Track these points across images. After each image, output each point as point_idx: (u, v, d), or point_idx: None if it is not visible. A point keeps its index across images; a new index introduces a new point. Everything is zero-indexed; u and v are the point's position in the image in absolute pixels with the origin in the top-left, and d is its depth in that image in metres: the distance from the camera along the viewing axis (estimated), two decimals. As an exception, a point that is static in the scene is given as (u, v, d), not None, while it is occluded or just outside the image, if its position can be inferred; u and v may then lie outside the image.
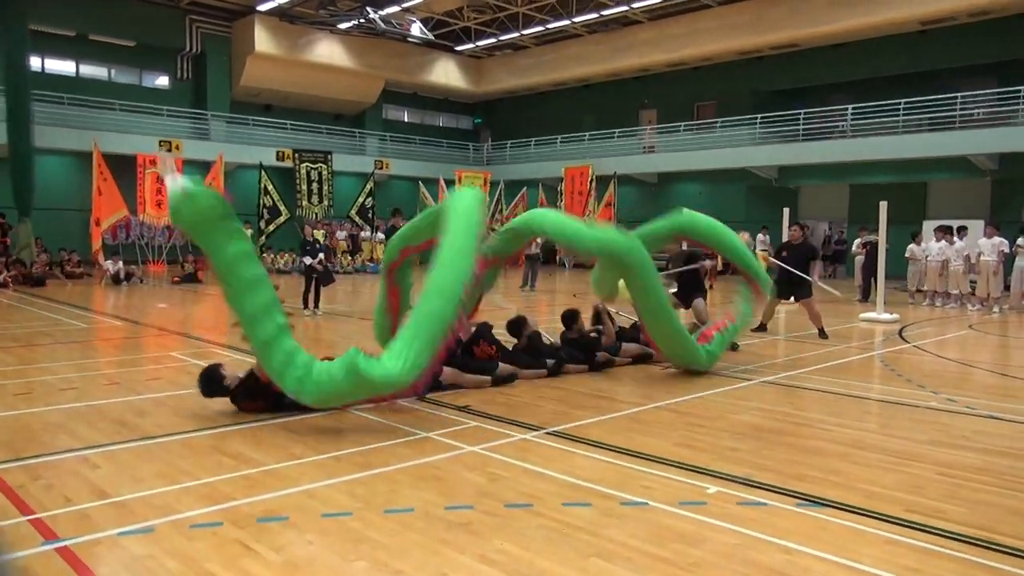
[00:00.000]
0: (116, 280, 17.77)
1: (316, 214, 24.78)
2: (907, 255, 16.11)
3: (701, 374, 7.41)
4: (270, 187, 24.52)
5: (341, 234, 26.31)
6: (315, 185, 25.62)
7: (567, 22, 27.65)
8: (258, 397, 5.53)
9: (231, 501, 3.83)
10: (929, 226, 17.31)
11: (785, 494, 4.03)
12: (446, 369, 6.48)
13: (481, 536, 3.43)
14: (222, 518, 3.60)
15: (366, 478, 4.22)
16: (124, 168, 21.98)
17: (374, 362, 4.92)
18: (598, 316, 8.32)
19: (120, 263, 18.33)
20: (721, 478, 4.28)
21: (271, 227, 24.46)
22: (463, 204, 5.87)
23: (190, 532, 3.44)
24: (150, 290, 17.07)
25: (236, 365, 6.40)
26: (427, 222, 6.57)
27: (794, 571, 3.14)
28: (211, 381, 5.62)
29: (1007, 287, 14.81)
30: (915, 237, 16.28)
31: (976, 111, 21.60)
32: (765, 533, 3.50)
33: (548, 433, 5.22)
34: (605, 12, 26.52)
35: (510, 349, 7.32)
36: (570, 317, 7.93)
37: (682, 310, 9.07)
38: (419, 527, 3.52)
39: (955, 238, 15.06)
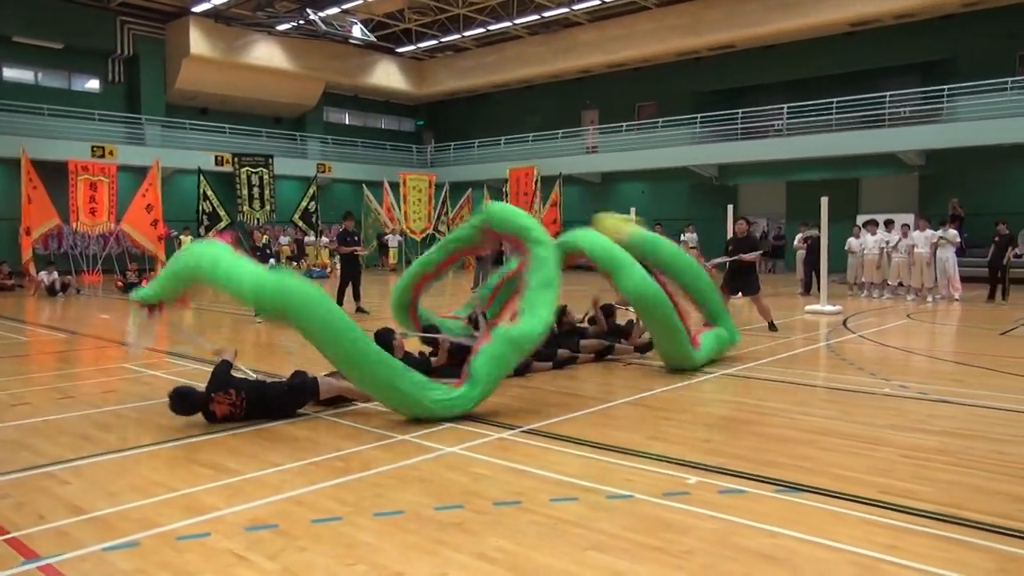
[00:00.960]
0: (51, 291, 17.11)
1: (258, 219, 24.32)
2: (846, 248, 16.72)
3: (665, 371, 7.55)
4: (209, 192, 23.93)
5: (284, 239, 25.87)
6: (256, 190, 25.13)
7: (508, 24, 27.77)
8: (229, 387, 5.44)
9: (215, 511, 3.76)
10: (860, 221, 17.98)
11: (762, 481, 4.16)
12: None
13: (475, 534, 3.45)
14: (208, 528, 3.54)
15: (350, 482, 4.19)
16: (55, 175, 21.20)
17: (519, 326, 5.77)
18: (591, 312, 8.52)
19: (55, 273, 17.65)
20: (699, 468, 4.39)
21: (211, 233, 23.93)
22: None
23: (177, 544, 3.37)
24: (88, 301, 16.49)
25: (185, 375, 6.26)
26: (439, 253, 7.70)
27: (781, 553, 3.25)
28: (188, 401, 5.39)
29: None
30: (854, 231, 16.88)
31: (903, 109, 22.53)
32: (748, 519, 3.62)
33: (523, 431, 5.26)
34: (546, 14, 26.73)
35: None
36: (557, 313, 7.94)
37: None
38: (412, 528, 3.52)
39: (878, 230, 15.85)
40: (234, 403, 5.40)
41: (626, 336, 8.46)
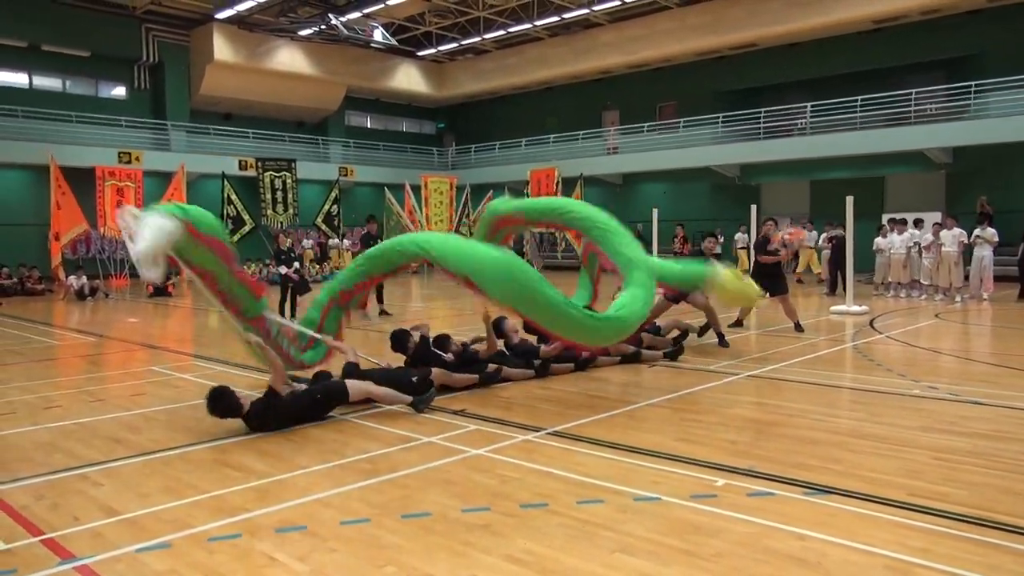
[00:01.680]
0: (80, 296, 17.38)
1: (281, 223, 24.51)
2: (874, 248, 16.51)
3: (686, 371, 7.52)
4: (233, 197, 24.18)
5: (307, 242, 26.07)
6: (279, 194, 25.34)
7: (528, 26, 27.77)
8: (271, 420, 5.40)
9: (245, 513, 3.80)
10: (886, 220, 17.76)
11: (791, 483, 4.13)
12: (435, 370, 6.51)
13: (503, 536, 3.46)
14: (239, 530, 3.58)
15: (377, 484, 4.21)
16: (83, 181, 21.50)
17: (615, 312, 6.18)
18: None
19: (84, 278, 17.92)
20: (726, 470, 4.37)
21: (235, 237, 24.13)
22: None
23: (209, 545, 3.41)
24: (116, 304, 16.72)
25: (229, 379, 6.34)
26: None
27: (811, 556, 3.22)
28: (224, 402, 5.32)
29: (967, 277, 15.26)
30: (880, 230, 16.67)
31: (929, 106, 22.23)
32: (778, 522, 3.59)
33: (549, 433, 5.26)
34: (566, 15, 26.69)
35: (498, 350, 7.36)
36: (497, 324, 7.70)
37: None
38: (440, 530, 3.54)
39: (908, 229, 15.55)
40: (272, 427, 5.46)
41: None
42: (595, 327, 6.14)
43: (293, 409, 5.52)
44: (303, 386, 5.97)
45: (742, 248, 21.34)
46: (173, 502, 3.98)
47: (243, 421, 5.39)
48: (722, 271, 8.27)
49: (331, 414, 5.80)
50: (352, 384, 5.87)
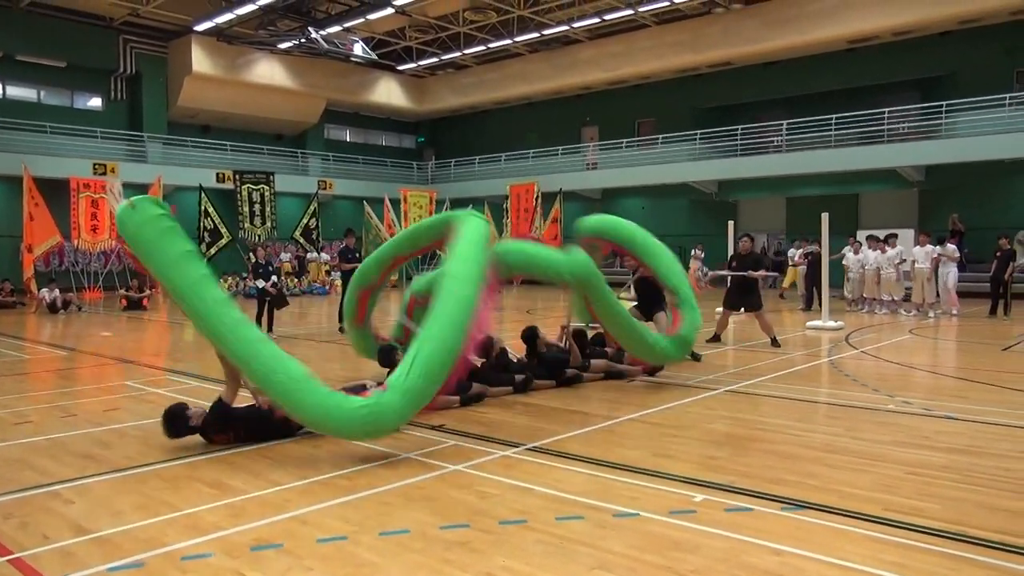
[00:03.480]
0: (53, 309, 17.11)
1: (259, 236, 24.36)
2: (844, 263, 16.70)
3: (665, 385, 7.55)
4: (210, 209, 23.97)
5: (285, 256, 25.91)
6: (257, 207, 25.22)
7: (508, 42, 27.94)
8: (228, 428, 5.37)
9: (219, 531, 3.74)
10: (862, 236, 17.93)
11: (768, 499, 4.15)
12: (475, 385, 6.57)
13: (482, 554, 3.44)
14: (212, 549, 3.52)
15: (355, 501, 4.17)
16: (57, 192, 21.25)
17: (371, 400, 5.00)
18: (564, 337, 8.17)
19: (56, 291, 17.65)
20: (704, 486, 4.38)
21: (212, 250, 23.86)
22: (472, 234, 6.07)
23: (182, 564, 3.36)
24: (90, 318, 16.49)
25: (192, 392, 6.25)
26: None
27: (788, 572, 3.24)
28: (176, 421, 5.29)
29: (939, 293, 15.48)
30: (852, 246, 16.84)
31: (902, 125, 22.64)
32: (755, 537, 3.61)
33: (528, 449, 5.25)
34: (546, 32, 26.90)
35: (478, 367, 7.34)
36: (531, 336, 7.90)
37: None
38: (418, 548, 3.51)
39: (886, 246, 15.69)
40: (231, 438, 5.39)
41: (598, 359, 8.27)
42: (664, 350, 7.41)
43: (261, 426, 5.44)
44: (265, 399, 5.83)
45: (798, 263, 19.41)
46: (146, 520, 3.91)
47: (201, 436, 5.33)
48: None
49: (310, 431, 5.73)
50: None
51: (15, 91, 25.73)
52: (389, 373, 6.80)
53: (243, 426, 5.42)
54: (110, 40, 26.52)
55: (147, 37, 27.23)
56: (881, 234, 16.60)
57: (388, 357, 6.91)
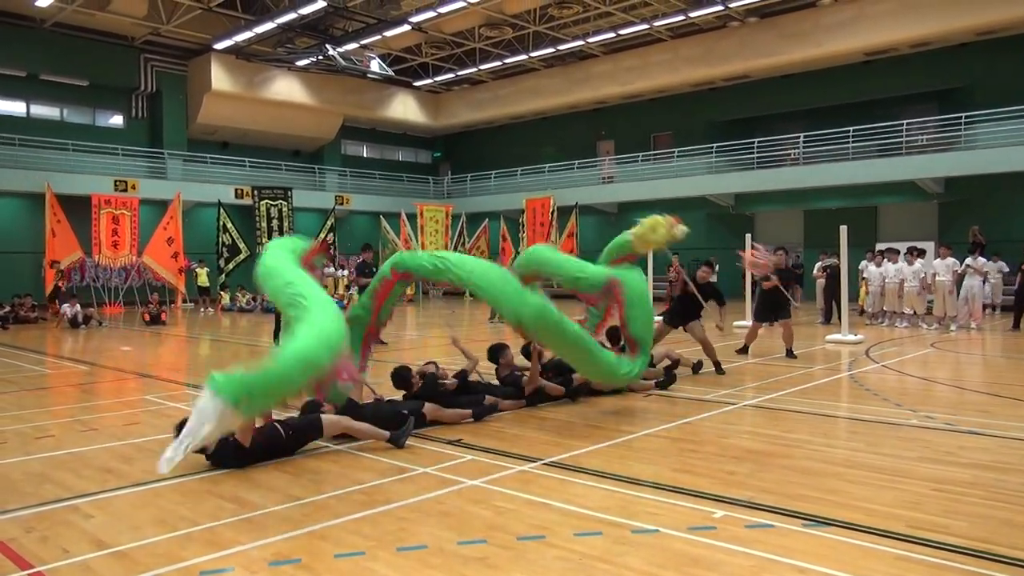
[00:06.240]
0: (74, 324, 17.28)
1: (277, 251, 24.53)
2: (863, 276, 16.53)
3: (683, 400, 7.49)
4: (229, 225, 24.32)
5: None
6: (275, 222, 25.46)
7: (524, 57, 28.10)
8: (231, 459, 5.23)
9: (238, 546, 3.74)
10: (879, 248, 17.72)
11: (789, 515, 4.09)
12: (427, 404, 6.45)
13: (500, 570, 3.42)
14: (232, 564, 3.52)
15: (372, 516, 4.16)
16: (78, 209, 21.60)
17: None
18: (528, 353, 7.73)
19: (77, 306, 17.84)
20: (725, 502, 4.33)
21: (230, 265, 24.23)
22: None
23: (201, 579, 3.36)
24: (111, 333, 16.64)
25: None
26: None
27: (812, 591, 3.19)
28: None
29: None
30: (873, 258, 16.64)
31: (921, 137, 22.48)
32: (777, 554, 3.55)
33: (545, 464, 5.22)
34: (561, 47, 27.04)
35: (489, 383, 7.32)
36: (495, 353, 7.64)
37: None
38: (436, 563, 3.49)
39: (915, 259, 15.49)
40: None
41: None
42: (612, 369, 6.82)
43: (258, 449, 5.36)
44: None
45: (818, 276, 19.14)
46: (165, 534, 3.92)
47: (206, 458, 5.24)
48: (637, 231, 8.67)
49: (324, 443, 5.75)
50: (327, 419, 5.76)
51: (39, 109, 26.18)
52: (405, 396, 6.78)
53: (251, 453, 5.33)
54: (131, 59, 26.95)
55: (167, 56, 27.64)
56: (902, 247, 16.43)
57: (403, 380, 6.85)
